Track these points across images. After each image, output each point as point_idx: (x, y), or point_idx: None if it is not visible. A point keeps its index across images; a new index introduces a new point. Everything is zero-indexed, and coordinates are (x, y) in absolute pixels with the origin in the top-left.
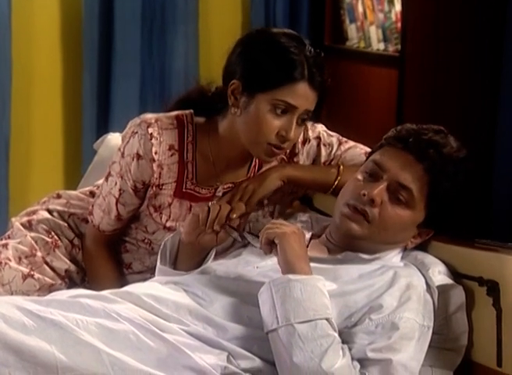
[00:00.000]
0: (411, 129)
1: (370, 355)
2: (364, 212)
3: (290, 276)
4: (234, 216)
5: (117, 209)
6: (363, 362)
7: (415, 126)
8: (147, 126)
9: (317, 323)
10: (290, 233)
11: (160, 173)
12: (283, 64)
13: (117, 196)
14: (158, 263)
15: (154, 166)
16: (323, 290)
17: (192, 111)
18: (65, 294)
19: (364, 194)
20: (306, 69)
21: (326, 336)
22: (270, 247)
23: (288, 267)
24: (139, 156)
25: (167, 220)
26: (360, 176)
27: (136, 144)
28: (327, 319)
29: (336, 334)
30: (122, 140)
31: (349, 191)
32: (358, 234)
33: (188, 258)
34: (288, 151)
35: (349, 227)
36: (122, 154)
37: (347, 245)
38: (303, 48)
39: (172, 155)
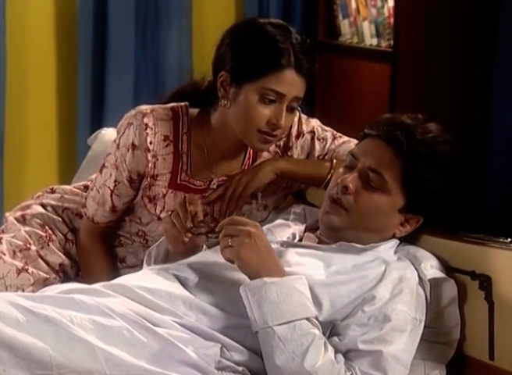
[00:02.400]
0: (386, 117)
1: (361, 346)
2: (339, 200)
3: (266, 279)
4: (188, 223)
5: (112, 201)
6: (353, 353)
7: (392, 114)
8: (143, 117)
9: (295, 324)
10: (246, 245)
11: (155, 164)
12: (269, 52)
13: (112, 188)
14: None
15: (149, 156)
16: (301, 289)
17: (187, 103)
18: (58, 289)
19: (338, 183)
20: (292, 56)
21: (306, 334)
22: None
23: (256, 279)
24: (134, 146)
25: (161, 211)
26: (341, 170)
27: (132, 134)
28: (307, 319)
29: (317, 331)
30: (118, 132)
31: (331, 183)
32: (339, 225)
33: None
34: (282, 144)
35: (329, 220)
36: (118, 145)
37: (335, 239)
38: (288, 35)
39: (166, 146)
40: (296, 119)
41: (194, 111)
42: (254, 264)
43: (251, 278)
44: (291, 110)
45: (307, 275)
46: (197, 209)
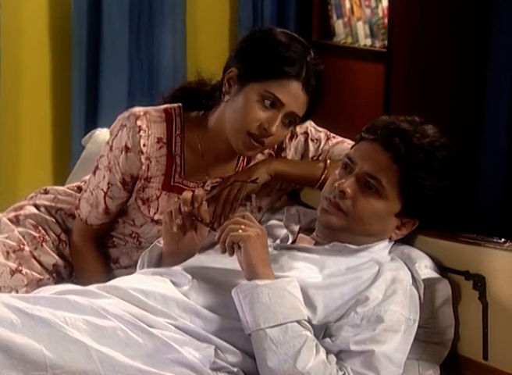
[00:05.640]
0: (383, 120)
1: (353, 347)
2: (337, 204)
3: (258, 281)
4: (196, 204)
5: (105, 203)
6: (345, 354)
7: (389, 117)
8: (136, 119)
9: (287, 326)
10: (255, 236)
11: (148, 166)
12: (282, 58)
13: (105, 190)
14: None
15: (143, 158)
16: (293, 292)
17: (180, 104)
18: (52, 290)
19: (335, 187)
20: (304, 70)
21: (298, 336)
22: (233, 249)
23: (251, 271)
24: (127, 149)
25: (155, 213)
26: (337, 171)
27: (125, 136)
28: (298, 322)
29: (309, 333)
30: (111, 133)
31: (327, 186)
32: (337, 226)
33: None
34: (275, 146)
35: (327, 220)
36: (111, 147)
37: (332, 239)
38: (307, 52)
39: (160, 148)
40: None
41: (190, 113)
42: (258, 255)
43: (248, 267)
44: (287, 124)
45: (301, 278)
46: (205, 210)
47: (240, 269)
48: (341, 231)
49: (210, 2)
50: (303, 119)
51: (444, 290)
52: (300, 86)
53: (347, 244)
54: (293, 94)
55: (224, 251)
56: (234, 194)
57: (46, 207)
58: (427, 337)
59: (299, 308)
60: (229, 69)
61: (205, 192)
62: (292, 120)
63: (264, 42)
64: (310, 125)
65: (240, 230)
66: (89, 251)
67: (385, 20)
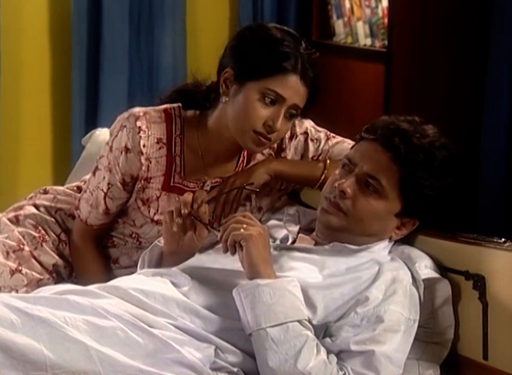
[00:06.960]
0: (383, 120)
1: (353, 347)
2: (337, 204)
3: (259, 281)
4: (195, 205)
5: (105, 203)
6: (345, 354)
7: (389, 117)
8: (136, 120)
9: (288, 326)
10: (257, 235)
11: (148, 167)
12: (277, 54)
13: (105, 190)
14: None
15: (142, 159)
16: (294, 291)
17: (180, 104)
18: (52, 290)
19: (335, 187)
20: (299, 63)
21: (299, 336)
22: (234, 248)
23: (253, 270)
24: (127, 149)
25: (155, 214)
26: (337, 171)
27: (125, 137)
28: (299, 321)
29: (310, 333)
30: (111, 134)
31: (327, 185)
32: (337, 226)
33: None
34: (275, 146)
35: (327, 220)
36: (111, 148)
37: (332, 239)
38: (299, 44)
39: (160, 149)
40: None
41: (188, 112)
42: (260, 255)
43: (249, 267)
44: (289, 117)
45: (301, 279)
46: (205, 211)
47: (239, 269)
48: (341, 231)
49: (210, 2)
50: (304, 110)
51: (444, 290)
52: (298, 78)
53: (347, 245)
54: (292, 88)
55: (226, 251)
56: (233, 195)
57: (46, 207)
58: (427, 337)
59: (300, 308)
60: (223, 69)
61: (206, 193)
62: (294, 113)
63: (257, 39)
64: (310, 125)
65: (242, 230)
66: (89, 251)
67: (385, 20)
